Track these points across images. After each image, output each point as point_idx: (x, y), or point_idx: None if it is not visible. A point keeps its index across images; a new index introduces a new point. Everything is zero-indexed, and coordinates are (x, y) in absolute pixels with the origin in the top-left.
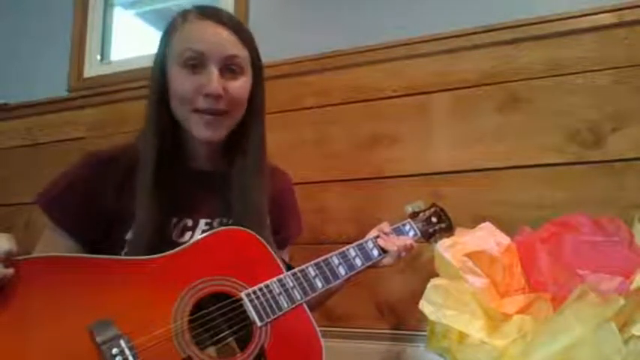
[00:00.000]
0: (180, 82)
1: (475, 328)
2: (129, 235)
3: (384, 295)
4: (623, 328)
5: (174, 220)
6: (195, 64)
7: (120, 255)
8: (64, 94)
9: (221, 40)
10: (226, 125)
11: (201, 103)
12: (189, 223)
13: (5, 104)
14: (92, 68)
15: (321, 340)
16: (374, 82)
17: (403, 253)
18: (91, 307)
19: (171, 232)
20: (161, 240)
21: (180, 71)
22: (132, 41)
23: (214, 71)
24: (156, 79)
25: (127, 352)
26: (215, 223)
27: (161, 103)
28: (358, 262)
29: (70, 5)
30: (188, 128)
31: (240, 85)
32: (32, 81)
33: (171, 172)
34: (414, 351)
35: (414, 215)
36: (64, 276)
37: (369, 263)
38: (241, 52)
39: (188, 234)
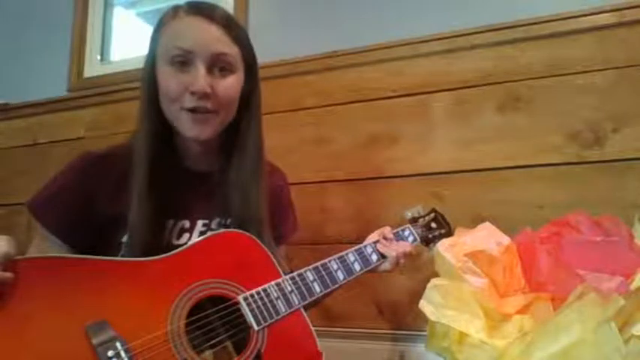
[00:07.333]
0: (168, 80)
1: (475, 328)
2: (125, 238)
3: (384, 295)
4: (623, 328)
5: (171, 222)
6: (183, 61)
7: (116, 257)
8: (64, 94)
9: (209, 37)
10: (215, 123)
11: (188, 101)
12: (187, 224)
13: (5, 104)
14: (92, 68)
15: (319, 345)
16: (374, 82)
17: (402, 260)
18: (87, 308)
19: (168, 235)
20: (158, 242)
21: (168, 69)
22: (132, 41)
23: (201, 69)
24: (146, 79)
25: (123, 354)
26: (213, 224)
27: (153, 104)
28: (357, 266)
29: (70, 5)
30: (178, 128)
31: (230, 84)
32: (32, 81)
33: (166, 174)
34: (414, 351)
35: (413, 221)
36: (61, 277)
37: (368, 268)
38: (231, 50)
39: (186, 236)
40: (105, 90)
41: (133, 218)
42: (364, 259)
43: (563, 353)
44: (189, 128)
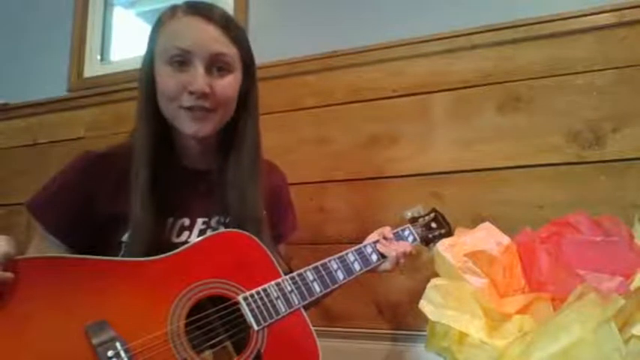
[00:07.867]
0: (166, 79)
1: (475, 328)
2: (125, 237)
3: (384, 295)
4: (623, 328)
5: (171, 220)
6: (181, 61)
7: (116, 257)
8: (64, 94)
9: (207, 37)
10: (213, 121)
11: (186, 100)
12: (186, 222)
13: (5, 104)
14: (92, 68)
15: (318, 345)
16: (374, 82)
17: (402, 260)
18: (87, 308)
19: (168, 233)
20: (158, 241)
21: (166, 69)
22: (132, 41)
23: (199, 69)
24: (145, 78)
25: (123, 354)
26: (212, 222)
27: (151, 102)
28: (357, 266)
29: (70, 5)
30: (177, 126)
31: (228, 84)
32: (32, 81)
33: (165, 172)
34: (413, 351)
35: (413, 220)
36: (61, 277)
37: (368, 268)
38: (229, 50)
39: (185, 234)
40: (105, 90)
41: (135, 217)
42: (364, 258)
43: (563, 353)
44: (188, 126)
